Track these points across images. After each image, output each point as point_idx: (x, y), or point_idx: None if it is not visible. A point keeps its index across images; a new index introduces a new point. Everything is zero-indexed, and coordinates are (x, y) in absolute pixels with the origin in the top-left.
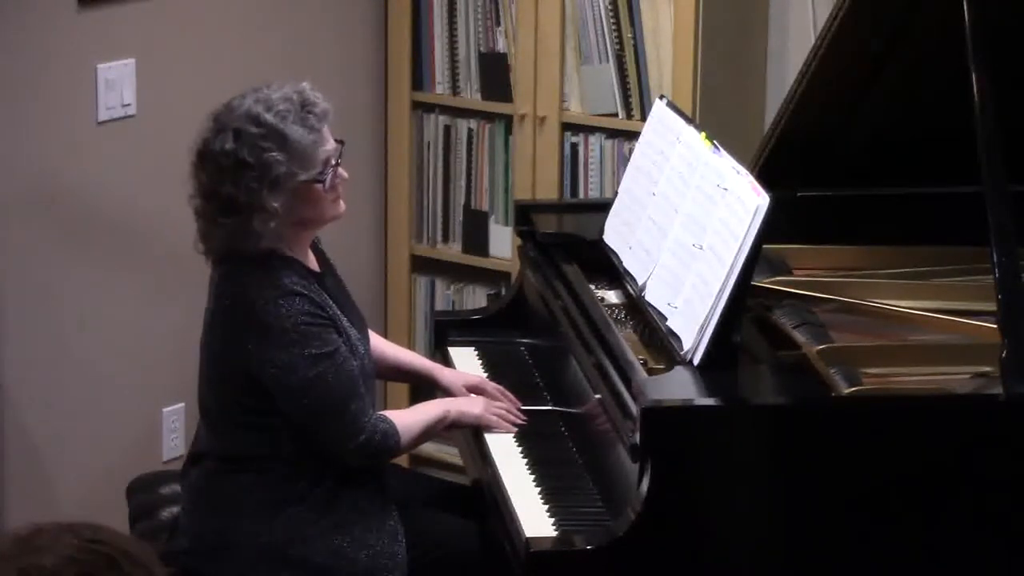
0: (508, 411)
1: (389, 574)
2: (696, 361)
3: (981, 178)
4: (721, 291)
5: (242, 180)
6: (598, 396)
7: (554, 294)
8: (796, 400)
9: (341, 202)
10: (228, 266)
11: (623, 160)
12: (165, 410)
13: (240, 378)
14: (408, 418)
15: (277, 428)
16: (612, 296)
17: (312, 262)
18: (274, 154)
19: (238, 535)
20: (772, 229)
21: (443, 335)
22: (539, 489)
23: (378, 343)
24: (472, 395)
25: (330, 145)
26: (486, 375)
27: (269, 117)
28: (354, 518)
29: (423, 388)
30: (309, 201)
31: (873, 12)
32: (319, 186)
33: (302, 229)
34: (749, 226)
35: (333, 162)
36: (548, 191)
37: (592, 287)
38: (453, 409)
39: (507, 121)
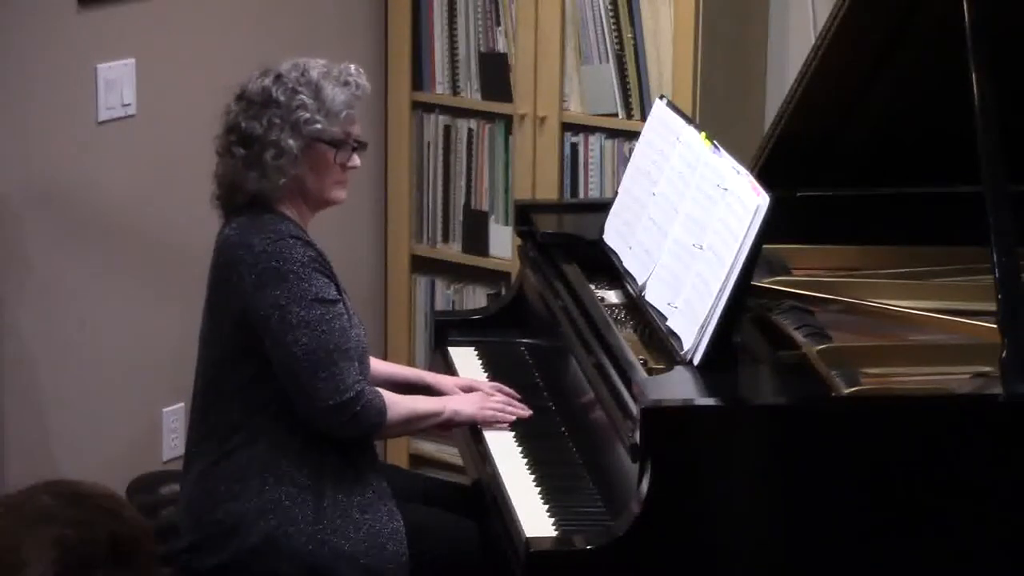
0: (507, 404)
1: (389, 558)
2: (696, 361)
3: (981, 178)
4: (721, 291)
5: (266, 114)
6: (597, 396)
7: (554, 294)
8: (796, 400)
9: (344, 190)
10: (236, 223)
11: (623, 160)
12: (165, 410)
13: (238, 337)
14: (399, 398)
15: (268, 403)
16: (612, 296)
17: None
18: (304, 98)
19: (235, 522)
20: (772, 229)
21: (443, 335)
22: (539, 489)
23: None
24: (471, 392)
25: (357, 127)
26: (486, 375)
27: (312, 72)
28: (350, 500)
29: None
30: (317, 164)
31: (873, 12)
32: (331, 153)
33: (302, 200)
34: (749, 226)
35: (352, 142)
36: (548, 191)
37: (592, 287)
38: (448, 407)
39: (507, 121)
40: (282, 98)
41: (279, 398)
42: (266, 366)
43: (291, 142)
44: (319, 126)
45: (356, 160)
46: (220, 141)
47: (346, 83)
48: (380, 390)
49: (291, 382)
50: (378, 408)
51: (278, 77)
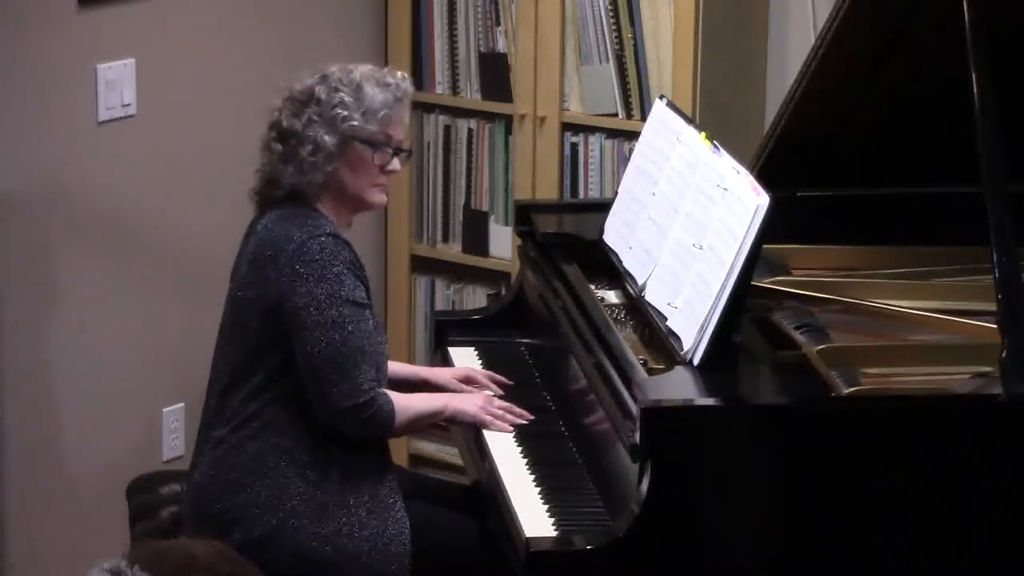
0: (509, 410)
1: (392, 560)
2: (696, 361)
3: (981, 178)
4: (721, 291)
5: (306, 111)
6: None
7: (554, 294)
8: (796, 400)
9: (383, 194)
10: (274, 215)
11: (623, 160)
12: (165, 410)
13: (267, 327)
14: (405, 401)
15: (287, 396)
16: (612, 296)
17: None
18: (344, 96)
19: (239, 513)
20: (772, 229)
21: (443, 335)
22: (539, 489)
23: None
24: (473, 391)
25: (398, 130)
26: (494, 374)
27: (355, 73)
28: (357, 500)
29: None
30: (354, 163)
31: (873, 12)
32: (369, 152)
33: (341, 200)
34: (749, 226)
35: (392, 146)
36: (548, 191)
37: (592, 287)
38: (451, 405)
39: (507, 121)
40: (323, 96)
41: (298, 393)
42: (290, 359)
43: (327, 138)
44: (356, 123)
45: (396, 164)
46: (263, 137)
47: (387, 85)
48: (390, 393)
49: (310, 378)
50: (388, 413)
51: (324, 77)
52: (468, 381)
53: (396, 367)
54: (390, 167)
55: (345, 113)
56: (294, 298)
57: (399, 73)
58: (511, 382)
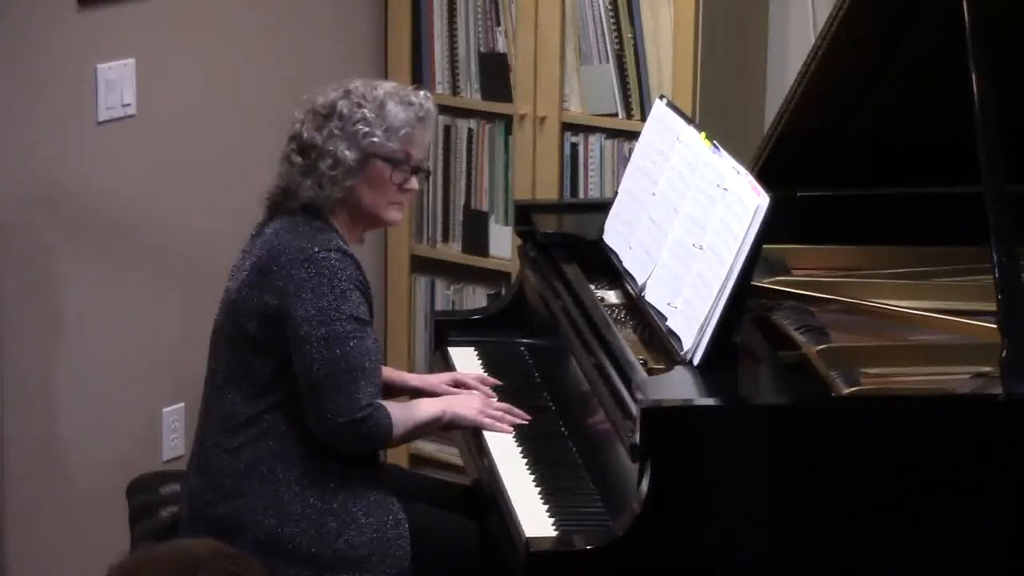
0: (507, 411)
1: (392, 563)
2: (696, 361)
3: (981, 178)
4: (721, 291)
5: (328, 126)
6: (596, 396)
7: (554, 294)
8: (796, 400)
9: (399, 212)
10: (285, 222)
11: (623, 160)
12: (165, 410)
13: (265, 333)
14: (403, 412)
15: (282, 402)
16: (612, 296)
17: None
18: (366, 112)
19: (237, 520)
20: (772, 229)
21: (443, 335)
22: (539, 489)
23: None
24: (471, 394)
25: (418, 149)
26: (486, 376)
27: (379, 90)
28: (355, 503)
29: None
30: (373, 181)
31: (873, 12)
32: (388, 170)
33: (356, 216)
34: (749, 226)
35: (412, 164)
36: (548, 191)
37: (592, 287)
38: (449, 410)
39: (507, 121)
40: (345, 111)
41: (293, 399)
42: (286, 365)
43: (347, 153)
44: (376, 140)
45: (414, 182)
46: (283, 149)
47: (410, 103)
48: (388, 405)
49: (309, 391)
50: (385, 426)
51: (347, 92)
52: (457, 386)
53: (385, 373)
54: (408, 185)
55: (367, 129)
56: (298, 310)
57: (422, 92)
58: (501, 383)
